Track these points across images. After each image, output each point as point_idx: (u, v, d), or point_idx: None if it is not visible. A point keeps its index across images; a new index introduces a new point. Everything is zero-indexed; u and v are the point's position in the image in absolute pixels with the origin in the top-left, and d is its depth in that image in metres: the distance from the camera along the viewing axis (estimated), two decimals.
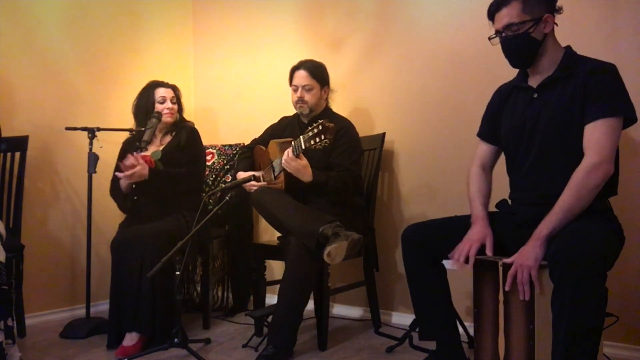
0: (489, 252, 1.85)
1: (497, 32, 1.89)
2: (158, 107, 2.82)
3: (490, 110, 2.11)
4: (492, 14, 1.90)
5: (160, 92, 2.85)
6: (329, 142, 2.23)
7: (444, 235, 2.00)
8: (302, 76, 2.68)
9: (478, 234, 1.88)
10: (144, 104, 2.85)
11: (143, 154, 2.73)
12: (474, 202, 2.02)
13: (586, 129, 1.77)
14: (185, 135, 2.84)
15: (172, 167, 2.75)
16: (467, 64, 2.75)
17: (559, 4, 1.90)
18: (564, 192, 1.73)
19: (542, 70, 1.91)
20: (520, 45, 1.85)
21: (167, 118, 2.83)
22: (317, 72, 2.69)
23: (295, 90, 2.70)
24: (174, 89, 2.92)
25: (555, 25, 1.89)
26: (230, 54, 3.74)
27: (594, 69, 1.80)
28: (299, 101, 2.69)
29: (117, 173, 2.68)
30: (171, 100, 2.85)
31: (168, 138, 2.87)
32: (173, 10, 3.83)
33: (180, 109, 2.95)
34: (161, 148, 2.82)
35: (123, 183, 2.71)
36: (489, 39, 1.92)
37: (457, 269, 1.89)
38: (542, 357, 1.69)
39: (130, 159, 2.60)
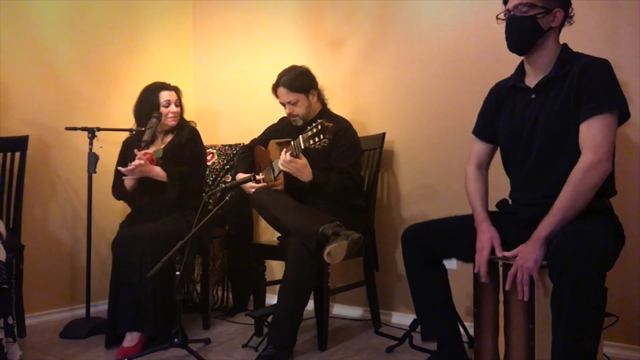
0: (498, 253, 1.83)
1: (507, 12, 1.89)
2: (163, 110, 2.83)
3: (486, 108, 2.09)
4: None
5: (164, 96, 2.84)
6: (328, 142, 2.23)
7: (444, 235, 2.00)
8: (282, 93, 2.69)
9: (484, 240, 1.86)
10: (148, 106, 2.83)
11: (145, 151, 2.74)
12: (473, 204, 2.01)
13: (581, 127, 1.77)
14: (186, 134, 2.87)
15: (173, 166, 2.76)
16: (467, 64, 2.75)
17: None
18: (563, 192, 1.73)
19: (539, 68, 1.90)
20: (524, 27, 1.84)
21: (171, 122, 2.84)
22: (296, 83, 2.66)
23: (284, 106, 2.71)
24: (177, 91, 2.92)
25: (564, 25, 1.88)
26: (230, 54, 3.74)
27: (585, 66, 1.80)
28: (290, 116, 2.72)
29: (119, 168, 2.73)
30: (175, 104, 2.86)
31: (169, 137, 2.89)
32: (173, 10, 3.83)
33: (181, 110, 2.96)
34: (162, 147, 2.83)
35: (128, 182, 2.76)
36: (497, 17, 1.91)
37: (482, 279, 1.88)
38: (542, 357, 1.69)
39: (137, 159, 2.66)
